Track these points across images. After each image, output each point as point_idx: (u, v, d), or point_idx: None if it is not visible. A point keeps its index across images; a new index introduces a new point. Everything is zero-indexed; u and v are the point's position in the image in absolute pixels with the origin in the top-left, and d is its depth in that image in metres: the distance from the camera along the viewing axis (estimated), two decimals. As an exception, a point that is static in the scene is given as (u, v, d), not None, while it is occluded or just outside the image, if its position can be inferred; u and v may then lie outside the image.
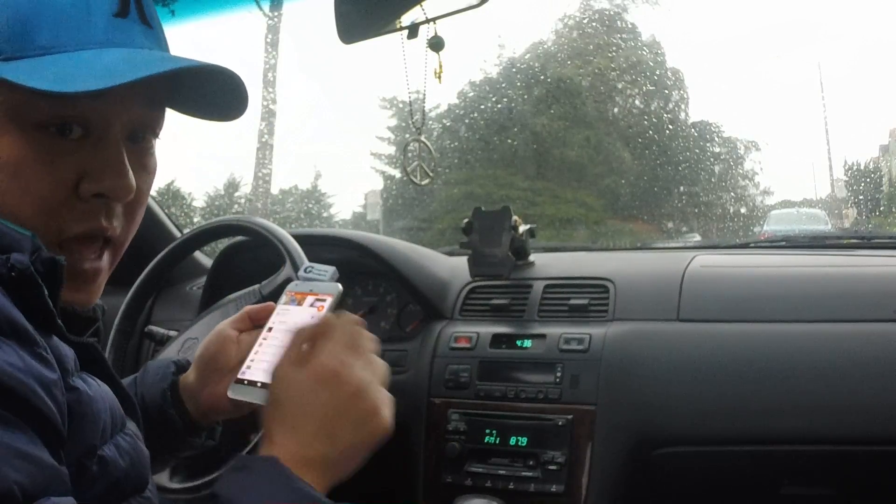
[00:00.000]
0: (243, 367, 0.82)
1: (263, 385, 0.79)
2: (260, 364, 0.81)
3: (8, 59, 0.58)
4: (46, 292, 0.58)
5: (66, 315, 0.63)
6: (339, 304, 0.83)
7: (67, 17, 0.60)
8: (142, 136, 0.67)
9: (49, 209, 0.60)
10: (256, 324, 0.89)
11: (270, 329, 0.84)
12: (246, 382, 0.81)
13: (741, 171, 9.46)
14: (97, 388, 0.63)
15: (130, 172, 0.63)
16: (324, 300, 0.83)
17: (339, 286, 0.84)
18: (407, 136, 8.90)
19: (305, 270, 0.89)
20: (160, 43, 0.67)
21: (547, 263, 1.53)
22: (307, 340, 0.68)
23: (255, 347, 0.83)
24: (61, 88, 0.56)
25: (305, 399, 0.64)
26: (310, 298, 0.84)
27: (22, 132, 0.59)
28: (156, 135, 0.68)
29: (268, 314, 0.86)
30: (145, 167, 0.68)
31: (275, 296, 1.19)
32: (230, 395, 0.81)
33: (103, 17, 0.61)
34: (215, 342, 0.88)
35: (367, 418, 0.65)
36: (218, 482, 0.61)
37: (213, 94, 0.68)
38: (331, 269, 0.88)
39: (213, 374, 0.87)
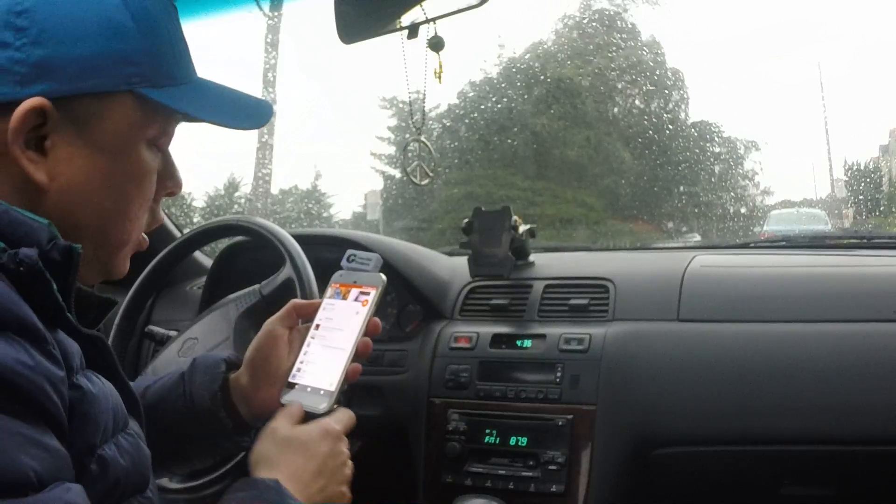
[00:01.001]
0: (293, 371, 0.81)
1: (313, 390, 0.78)
2: (309, 366, 0.80)
3: (155, 86, 0.66)
4: (56, 286, 0.59)
5: (81, 302, 0.64)
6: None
7: (181, 50, 0.70)
8: None
9: (147, 212, 0.72)
10: (304, 319, 0.87)
11: (318, 326, 0.83)
12: (297, 387, 0.80)
13: (741, 171, 9.47)
14: (101, 387, 0.63)
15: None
16: (367, 293, 0.82)
17: (383, 277, 0.83)
18: (407, 136, 8.91)
19: (349, 259, 0.86)
20: None
21: (547, 263, 1.53)
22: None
23: (304, 348, 0.82)
24: (238, 125, 0.73)
25: (313, 446, 0.75)
26: (354, 291, 0.83)
27: (145, 149, 0.68)
28: None
29: (315, 309, 0.84)
30: None
31: (275, 296, 1.20)
32: (283, 401, 0.80)
33: (185, 48, 0.71)
34: (266, 343, 0.86)
35: (341, 482, 0.77)
36: (227, 498, 0.68)
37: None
38: (374, 257, 0.85)
39: (266, 376, 0.85)
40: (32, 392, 0.52)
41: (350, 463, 0.78)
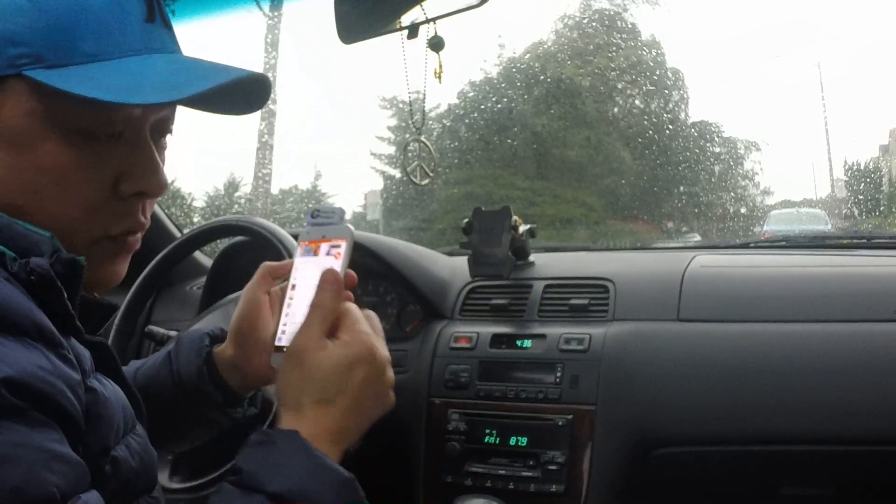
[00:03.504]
0: (278, 334, 0.79)
1: None
2: (292, 327, 0.79)
3: (51, 66, 0.59)
4: (66, 294, 0.59)
5: (83, 308, 0.64)
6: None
7: (106, 24, 0.61)
8: (163, 135, 0.69)
9: (92, 211, 0.63)
10: (280, 279, 0.86)
11: (294, 287, 0.81)
12: (285, 350, 0.80)
13: (741, 171, 9.47)
14: (111, 389, 0.64)
15: (164, 169, 0.67)
16: (338, 246, 0.80)
17: (351, 228, 0.81)
18: (407, 136, 8.91)
19: (313, 216, 0.84)
20: (178, 44, 0.69)
21: (547, 263, 1.53)
22: (331, 314, 0.71)
23: (285, 310, 0.80)
24: (131, 100, 0.59)
25: (345, 375, 0.68)
26: (324, 246, 0.81)
27: (63, 138, 0.60)
28: (171, 132, 0.70)
29: (288, 268, 0.83)
30: (163, 163, 0.70)
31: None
32: (274, 364, 0.78)
33: (137, 23, 0.63)
34: (249, 311, 0.85)
35: (386, 394, 0.71)
36: (241, 455, 0.64)
37: (235, 92, 0.69)
38: (338, 210, 0.83)
39: (256, 343, 0.84)
40: (54, 396, 0.53)
41: (390, 370, 0.71)
